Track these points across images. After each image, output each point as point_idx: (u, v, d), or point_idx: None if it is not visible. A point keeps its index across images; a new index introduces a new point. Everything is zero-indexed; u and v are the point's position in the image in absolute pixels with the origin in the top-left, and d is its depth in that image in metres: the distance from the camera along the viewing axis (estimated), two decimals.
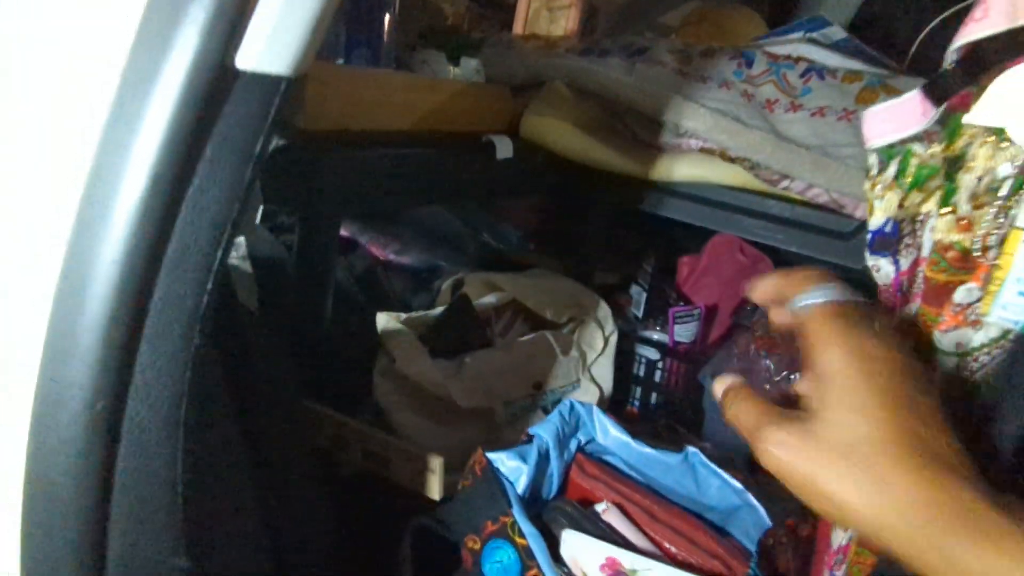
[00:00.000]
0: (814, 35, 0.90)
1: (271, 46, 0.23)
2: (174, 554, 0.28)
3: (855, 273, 0.93)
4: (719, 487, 0.67)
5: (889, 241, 0.40)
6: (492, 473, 0.60)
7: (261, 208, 0.90)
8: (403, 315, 0.84)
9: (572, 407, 0.70)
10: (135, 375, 0.24)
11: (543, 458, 0.65)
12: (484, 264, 1.20)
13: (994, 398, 0.37)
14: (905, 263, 0.41)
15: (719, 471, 0.67)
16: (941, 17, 1.07)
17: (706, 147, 0.90)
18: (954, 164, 0.40)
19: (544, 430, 0.66)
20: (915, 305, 0.41)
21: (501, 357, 0.88)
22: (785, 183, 0.87)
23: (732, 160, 0.89)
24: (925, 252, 0.40)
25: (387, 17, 0.76)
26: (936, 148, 0.40)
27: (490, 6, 1.40)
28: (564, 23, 1.36)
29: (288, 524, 0.49)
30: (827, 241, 0.91)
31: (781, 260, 1.41)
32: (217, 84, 0.22)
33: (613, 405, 1.08)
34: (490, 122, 0.96)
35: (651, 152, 0.96)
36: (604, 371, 1.05)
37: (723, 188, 0.96)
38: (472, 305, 0.88)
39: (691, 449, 0.68)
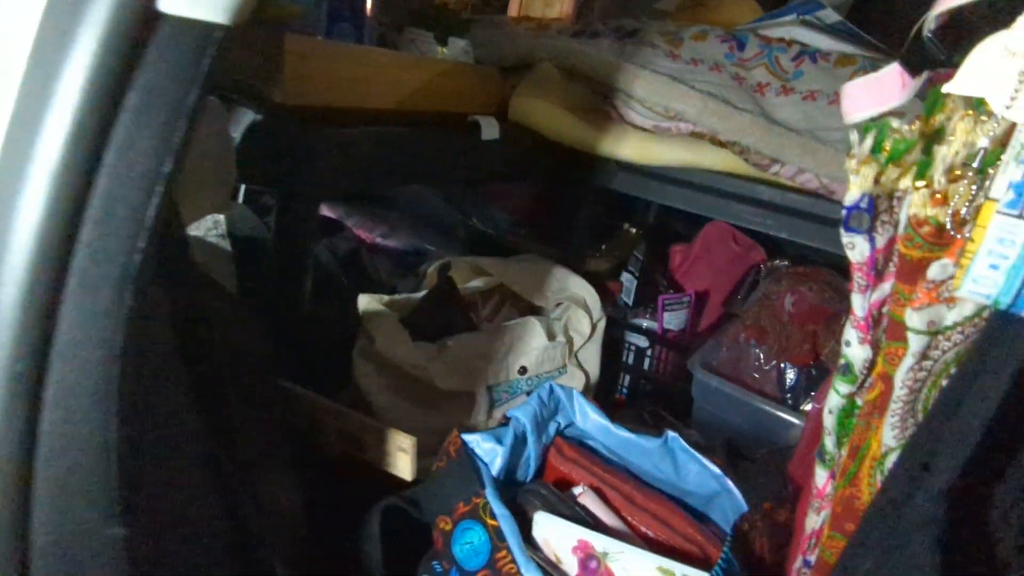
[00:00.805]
0: (807, 17, 0.88)
1: None
2: (109, 523, 0.27)
3: (847, 259, 0.92)
4: (698, 472, 0.66)
5: (864, 217, 0.39)
6: (466, 454, 0.60)
7: (243, 187, 0.90)
8: (385, 297, 0.83)
9: (552, 390, 0.69)
10: (58, 335, 0.23)
11: (520, 441, 0.65)
12: (472, 248, 1.19)
13: (966, 379, 0.36)
14: (881, 240, 0.40)
15: (697, 456, 0.66)
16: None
17: (696, 131, 0.89)
18: (933, 139, 0.39)
19: (522, 412, 0.66)
20: (888, 284, 0.40)
21: (485, 341, 0.87)
22: (775, 168, 0.86)
23: (722, 144, 0.88)
24: (901, 229, 0.39)
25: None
26: (915, 122, 0.39)
27: None
28: (559, 7, 1.34)
29: (255, 503, 0.48)
30: (818, 228, 0.90)
31: (774, 248, 1.40)
32: (139, 27, 0.21)
33: (600, 392, 1.07)
34: (479, 103, 0.94)
35: (641, 136, 0.95)
36: (591, 357, 1.05)
37: (714, 173, 0.95)
38: (456, 288, 0.87)
39: (671, 434, 0.67)
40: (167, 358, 0.35)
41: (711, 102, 0.83)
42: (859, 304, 0.41)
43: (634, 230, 1.45)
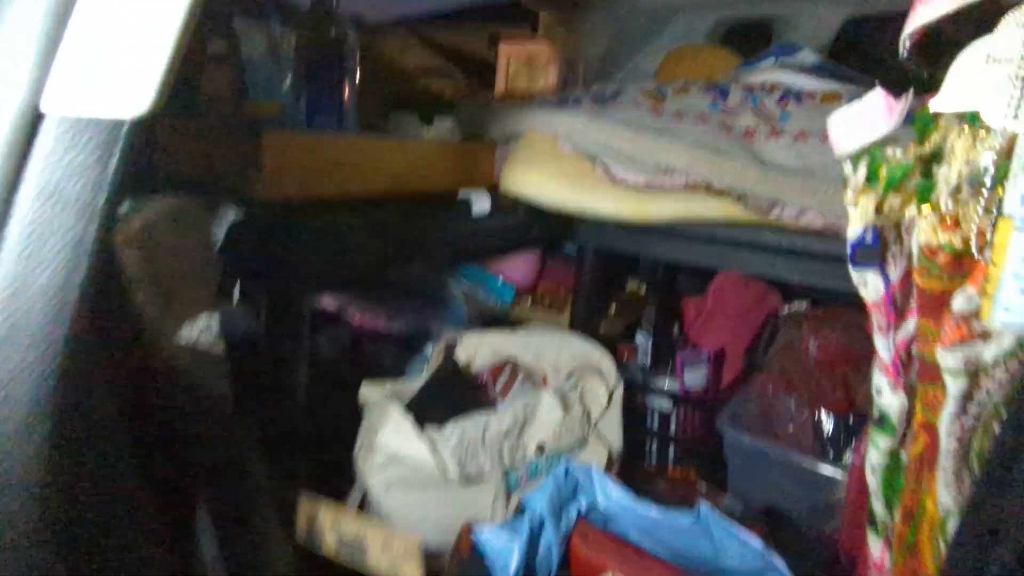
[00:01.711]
0: (787, 60, 0.88)
1: (83, 89, 0.20)
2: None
3: (862, 298, 0.87)
4: (738, 548, 0.60)
5: (871, 252, 0.36)
6: (478, 555, 0.54)
7: (238, 285, 0.89)
8: (388, 383, 0.80)
9: (568, 470, 0.64)
10: None
11: (537, 531, 0.59)
12: (479, 323, 1.16)
13: (1021, 424, 0.31)
14: (896, 274, 0.37)
15: (736, 530, 0.60)
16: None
17: (690, 182, 0.87)
18: (931, 161, 0.36)
19: (537, 499, 0.61)
20: (912, 321, 0.36)
21: (497, 420, 0.83)
22: (776, 211, 0.83)
23: (718, 193, 0.86)
24: (916, 261, 0.36)
25: (348, 82, 0.76)
26: (909, 147, 0.36)
27: (476, 74, 1.41)
28: (543, 80, 1.37)
29: None
30: (829, 267, 0.86)
31: (789, 292, 1.36)
32: (23, 128, 0.19)
33: (626, 464, 1.01)
34: (470, 179, 0.94)
35: (636, 194, 0.93)
36: (612, 427, 0.99)
37: (714, 224, 0.92)
38: (460, 367, 0.83)
39: (704, 508, 0.61)
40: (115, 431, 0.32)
41: (700, 152, 0.82)
42: (883, 346, 0.37)
43: (642, 288, 1.42)
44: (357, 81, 0.81)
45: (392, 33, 1.35)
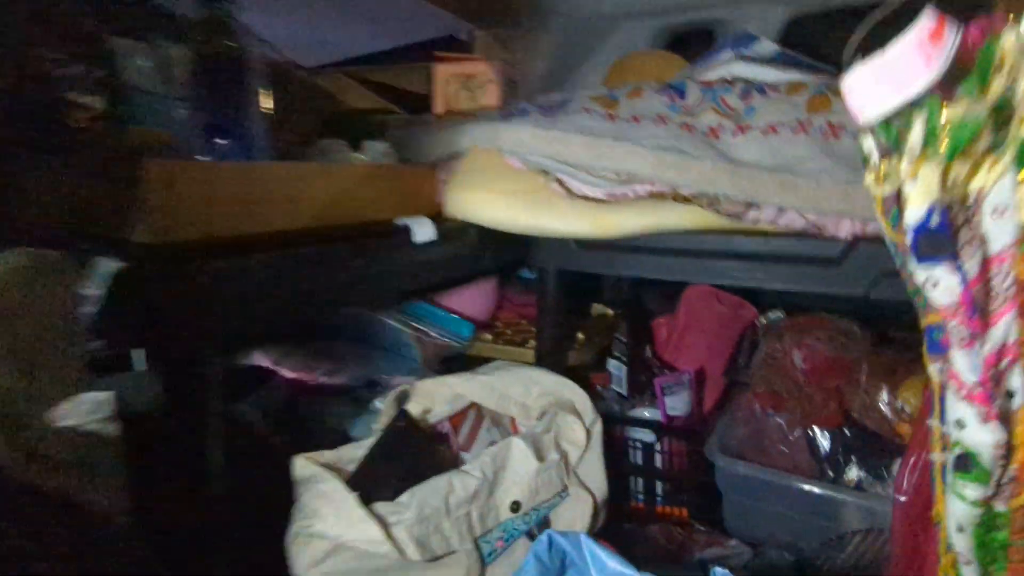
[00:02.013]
0: (745, 52, 0.81)
1: None
2: None
3: (854, 302, 0.80)
4: None
5: (941, 239, 0.26)
6: None
7: (143, 351, 0.75)
8: (327, 453, 0.67)
9: (552, 542, 0.53)
10: None
11: None
12: (436, 366, 1.04)
13: None
14: (973, 267, 0.27)
15: None
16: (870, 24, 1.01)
17: (655, 190, 0.79)
18: (1001, 113, 0.27)
19: None
20: (1006, 323, 0.27)
21: (462, 481, 0.71)
22: (752, 214, 0.75)
23: (687, 200, 0.78)
24: (997, 245, 0.26)
25: (255, 102, 0.65)
26: (969, 98, 0.27)
27: (417, 112, 1.32)
28: (484, 100, 1.29)
29: None
30: (815, 271, 0.79)
31: (764, 301, 1.29)
32: None
33: (610, 505, 0.89)
34: (411, 206, 0.83)
35: (596, 207, 0.84)
36: (593, 470, 0.88)
37: (685, 234, 0.84)
38: (415, 420, 0.71)
39: (718, 571, 0.51)
40: None
41: (665, 155, 0.74)
42: (966, 364, 0.27)
43: (609, 311, 1.33)
44: (271, 104, 0.70)
45: (326, 76, 1.29)
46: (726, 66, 0.84)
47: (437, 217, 0.82)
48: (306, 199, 0.67)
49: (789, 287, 0.79)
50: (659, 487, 1.05)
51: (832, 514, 0.90)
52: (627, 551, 0.82)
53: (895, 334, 1.12)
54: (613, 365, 1.11)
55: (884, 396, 0.92)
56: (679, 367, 1.14)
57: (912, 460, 0.44)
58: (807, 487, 0.91)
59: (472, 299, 1.09)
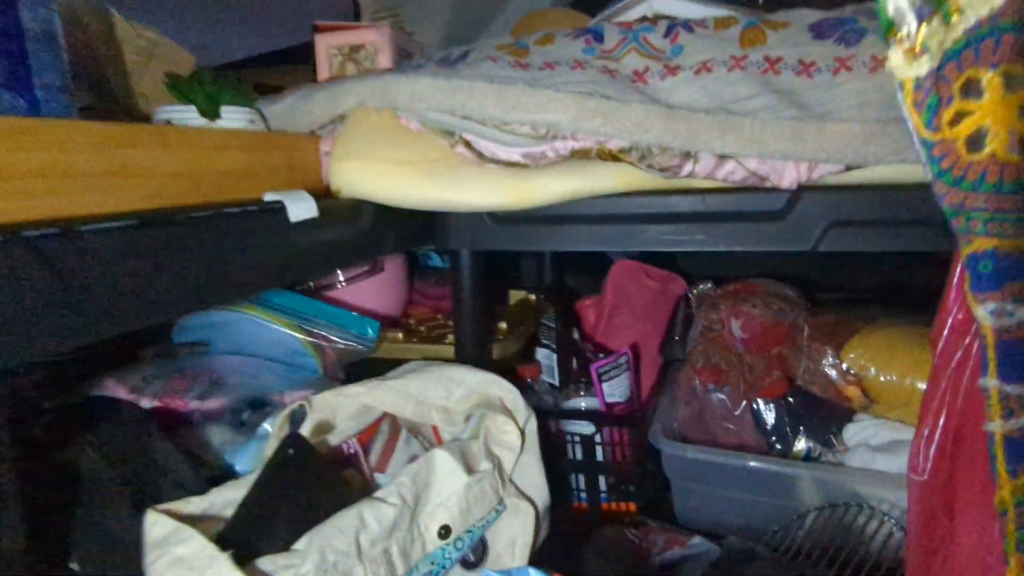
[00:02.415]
0: None
1: None
2: None
3: (801, 255, 0.73)
4: None
5: None
6: None
7: None
8: (193, 500, 0.51)
9: None
10: None
11: None
12: (340, 375, 0.89)
13: None
14: None
15: None
16: None
17: (579, 147, 0.68)
18: None
19: None
20: None
21: (375, 512, 0.57)
22: (688, 167, 0.66)
23: (615, 157, 0.67)
24: None
25: (43, 52, 0.47)
26: None
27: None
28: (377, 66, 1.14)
29: None
30: (755, 227, 0.71)
31: (698, 269, 1.22)
32: None
33: (556, 510, 0.79)
34: (286, 182, 0.68)
35: (511, 172, 0.72)
36: (531, 474, 0.76)
37: (613, 197, 0.74)
38: (308, 447, 0.57)
39: None
40: None
41: (588, 101, 0.63)
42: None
43: (531, 296, 1.22)
44: (67, 52, 0.53)
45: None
46: (645, 5, 0.75)
47: (323, 196, 0.67)
48: (138, 172, 0.51)
49: (733, 247, 0.70)
50: (603, 482, 0.95)
51: (785, 491, 0.83)
52: (578, 569, 0.71)
53: (829, 296, 1.08)
54: (543, 354, 1.00)
55: (828, 358, 0.87)
56: (612, 348, 1.05)
57: (926, 432, 0.36)
58: (756, 464, 0.84)
59: (375, 293, 0.94)
